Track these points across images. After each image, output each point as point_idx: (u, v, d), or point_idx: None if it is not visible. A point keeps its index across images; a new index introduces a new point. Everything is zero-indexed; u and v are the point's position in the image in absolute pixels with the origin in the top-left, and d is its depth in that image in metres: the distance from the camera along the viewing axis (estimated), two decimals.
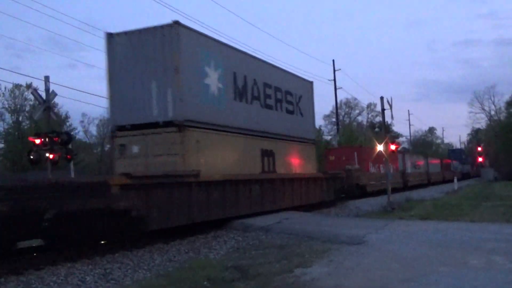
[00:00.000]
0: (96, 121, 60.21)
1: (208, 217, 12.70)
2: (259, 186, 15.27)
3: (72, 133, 40.30)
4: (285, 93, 18.38)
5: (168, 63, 12.39)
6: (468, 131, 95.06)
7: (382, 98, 22.65)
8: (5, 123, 50.09)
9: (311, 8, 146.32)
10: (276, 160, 17.01)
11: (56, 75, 52.60)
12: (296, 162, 18.77)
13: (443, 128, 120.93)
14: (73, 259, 9.09)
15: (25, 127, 48.51)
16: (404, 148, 71.21)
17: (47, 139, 16.90)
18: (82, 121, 60.80)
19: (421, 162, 45.39)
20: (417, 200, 23.76)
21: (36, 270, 8.28)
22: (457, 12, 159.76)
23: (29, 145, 19.02)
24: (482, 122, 78.14)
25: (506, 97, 68.46)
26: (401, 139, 75.00)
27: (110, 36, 13.12)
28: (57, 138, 16.99)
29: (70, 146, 18.58)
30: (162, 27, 12.56)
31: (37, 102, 20.55)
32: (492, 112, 74.97)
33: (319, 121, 31.90)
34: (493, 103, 74.46)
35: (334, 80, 44.49)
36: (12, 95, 49.04)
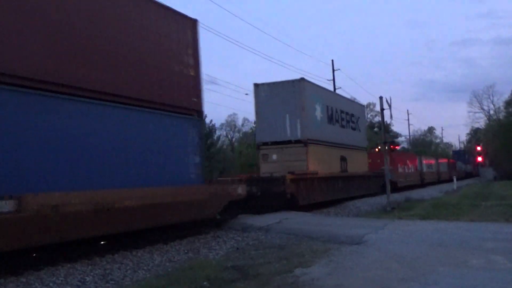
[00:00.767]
0: None
1: (324, 198, 20.58)
2: (341, 181, 22.34)
3: None
4: (351, 116, 25.04)
5: (297, 104, 19.34)
6: (467, 130, 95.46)
7: (381, 98, 22.68)
8: None
9: (310, 8, 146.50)
10: (348, 163, 23.43)
11: None
12: (357, 164, 25.18)
13: (442, 127, 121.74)
14: (73, 260, 9.10)
15: None
16: (403, 148, 71.41)
17: None
18: None
19: (433, 162, 52.23)
20: (417, 200, 23.81)
21: (35, 270, 8.28)
22: (456, 12, 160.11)
23: None
24: (481, 122, 78.37)
25: (505, 97, 68.93)
26: (400, 139, 75.15)
27: (256, 86, 20.06)
28: None
29: None
30: (293, 81, 19.56)
31: None
32: (491, 112, 75.19)
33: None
34: (492, 102, 74.67)
35: (333, 80, 44.57)
36: None
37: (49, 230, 8.32)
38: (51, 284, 7.57)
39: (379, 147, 33.16)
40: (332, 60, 44.96)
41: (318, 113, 20.71)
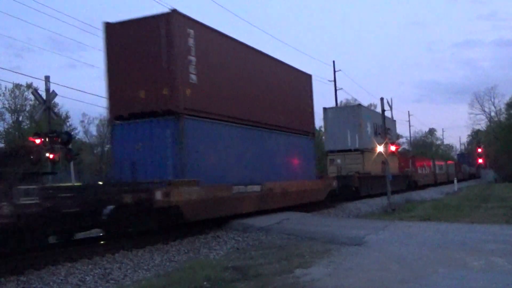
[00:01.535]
0: (96, 121, 60.10)
1: (375, 191, 27.04)
2: (383, 179, 24.41)
3: (72, 133, 40.31)
4: (387, 129, 29.08)
5: (355, 123, 27.07)
6: (468, 132, 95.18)
7: (382, 99, 22.83)
8: (5, 123, 50.16)
9: (310, 9, 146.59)
10: (387, 165, 27.01)
11: (56, 75, 52.67)
12: (393, 165, 29.98)
13: (443, 129, 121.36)
14: (73, 259, 9.10)
15: (25, 127, 48.54)
16: (404, 149, 71.32)
17: (47, 139, 16.90)
18: (82, 121, 60.72)
19: (442, 163, 57.76)
20: (417, 201, 23.78)
21: (36, 270, 8.29)
22: (457, 13, 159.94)
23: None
24: (482, 123, 78.17)
25: (506, 98, 68.64)
26: (401, 140, 75.06)
27: (325, 109, 28.44)
28: (57, 138, 17.00)
29: (70, 146, 18.58)
30: (353, 106, 28.36)
31: (37, 102, 20.56)
32: (492, 113, 75.04)
33: (319, 122, 34.10)
34: (493, 104, 74.50)
35: (334, 80, 44.56)
36: (12, 95, 49.09)
37: (272, 201, 15.82)
38: (51, 283, 7.58)
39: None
40: (334, 61, 45.07)
41: (369, 129, 28.56)
